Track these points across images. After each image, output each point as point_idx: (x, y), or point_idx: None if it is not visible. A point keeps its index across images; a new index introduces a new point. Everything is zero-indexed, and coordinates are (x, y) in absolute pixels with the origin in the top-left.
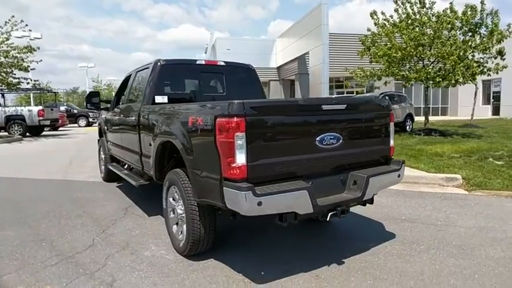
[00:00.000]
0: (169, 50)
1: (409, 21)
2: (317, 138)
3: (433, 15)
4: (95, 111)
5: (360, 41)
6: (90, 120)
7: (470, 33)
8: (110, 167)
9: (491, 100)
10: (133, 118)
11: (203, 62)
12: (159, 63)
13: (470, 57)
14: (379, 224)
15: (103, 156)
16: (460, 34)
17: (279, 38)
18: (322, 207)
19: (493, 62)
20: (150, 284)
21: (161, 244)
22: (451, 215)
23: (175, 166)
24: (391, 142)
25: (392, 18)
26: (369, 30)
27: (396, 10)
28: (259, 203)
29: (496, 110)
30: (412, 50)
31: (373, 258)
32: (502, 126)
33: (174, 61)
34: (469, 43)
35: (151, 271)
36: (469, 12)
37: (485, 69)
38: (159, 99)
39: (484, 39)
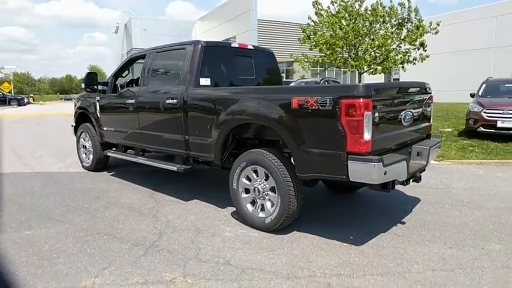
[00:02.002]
0: (51, 26)
1: (347, 14)
2: (402, 116)
3: (367, 10)
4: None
5: (301, 29)
6: None
7: (399, 27)
8: (113, 155)
9: None
10: (174, 101)
11: (237, 45)
12: (200, 45)
13: (398, 48)
14: (397, 190)
15: (87, 144)
16: (390, 27)
17: (199, 20)
18: (410, 174)
19: (416, 53)
20: (265, 258)
21: (232, 224)
22: (443, 180)
23: (237, 147)
24: (431, 120)
25: (329, 9)
26: (309, 18)
27: (335, 2)
28: (385, 173)
29: None
30: (353, 39)
31: (422, 216)
32: None
33: (213, 43)
34: (399, 35)
35: (252, 248)
36: (399, 8)
37: (410, 58)
38: (203, 81)
39: (410, 32)
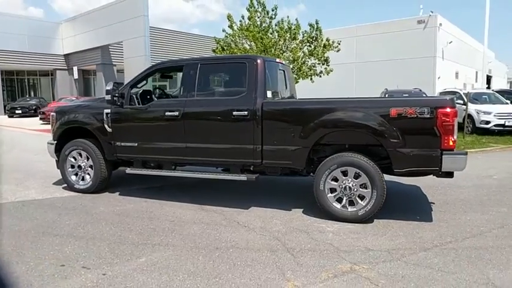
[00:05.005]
0: None
1: (262, 28)
2: None
3: (278, 26)
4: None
5: (215, 40)
6: None
7: (307, 43)
8: (137, 172)
9: None
10: (244, 112)
11: (278, 60)
12: (262, 60)
13: (306, 62)
14: (393, 182)
15: (82, 163)
16: (299, 43)
17: (67, 22)
18: None
19: (321, 67)
20: (387, 241)
21: (321, 221)
22: None
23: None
24: None
25: (241, 22)
26: (224, 31)
27: (250, 17)
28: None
29: None
30: (274, 52)
31: (436, 197)
32: None
33: (268, 58)
34: (310, 51)
35: (366, 236)
36: (308, 28)
37: (317, 72)
38: (268, 94)
39: (317, 48)
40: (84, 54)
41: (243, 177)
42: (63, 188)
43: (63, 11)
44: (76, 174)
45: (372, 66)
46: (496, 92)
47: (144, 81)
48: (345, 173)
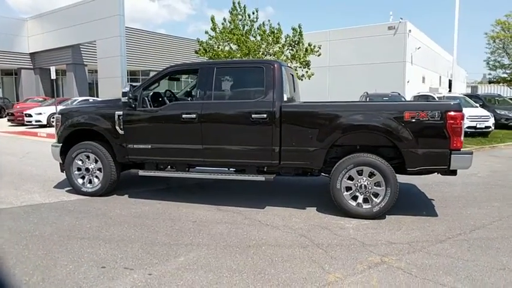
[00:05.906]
0: None
1: (245, 31)
2: None
3: (260, 30)
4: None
5: (198, 42)
6: None
7: (290, 47)
8: (148, 174)
9: None
10: (263, 115)
11: (289, 65)
12: (279, 64)
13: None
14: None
15: (90, 166)
16: (282, 46)
17: (33, 19)
18: None
19: (302, 70)
20: (404, 234)
21: (338, 218)
22: None
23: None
24: None
25: (223, 25)
26: (206, 33)
27: (233, 20)
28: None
29: None
30: (257, 55)
31: (433, 194)
32: None
33: (282, 63)
34: (293, 55)
35: (384, 230)
36: (291, 31)
37: (299, 75)
38: (285, 97)
39: (299, 52)
40: (53, 53)
41: (261, 178)
42: (67, 191)
43: (19, 7)
44: (83, 177)
45: (345, 69)
46: (466, 96)
47: (157, 84)
48: (359, 172)
